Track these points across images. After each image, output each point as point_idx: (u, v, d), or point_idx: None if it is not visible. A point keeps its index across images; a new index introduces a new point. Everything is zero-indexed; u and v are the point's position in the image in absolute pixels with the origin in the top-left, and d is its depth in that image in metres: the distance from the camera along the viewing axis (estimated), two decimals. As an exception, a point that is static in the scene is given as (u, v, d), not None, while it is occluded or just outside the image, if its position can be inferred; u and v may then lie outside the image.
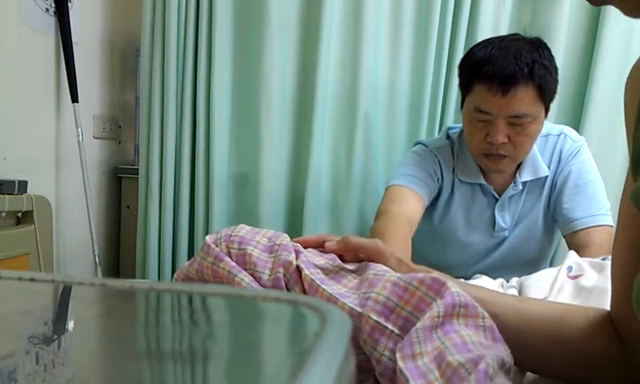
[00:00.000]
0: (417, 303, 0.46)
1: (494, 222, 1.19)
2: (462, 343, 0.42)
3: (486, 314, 0.46)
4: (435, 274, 0.55)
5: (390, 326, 0.46)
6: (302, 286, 0.54)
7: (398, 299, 0.47)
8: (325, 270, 0.56)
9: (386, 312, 0.47)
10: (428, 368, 0.41)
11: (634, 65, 0.50)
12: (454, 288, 0.46)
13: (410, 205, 1.12)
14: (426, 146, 1.23)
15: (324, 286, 0.51)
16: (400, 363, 0.42)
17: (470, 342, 0.42)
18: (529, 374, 0.56)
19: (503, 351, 0.44)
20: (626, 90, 0.51)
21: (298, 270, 0.54)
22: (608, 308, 0.53)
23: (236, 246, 0.58)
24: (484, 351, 0.41)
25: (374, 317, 0.46)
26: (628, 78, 0.51)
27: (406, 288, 0.47)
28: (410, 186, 1.14)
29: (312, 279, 0.52)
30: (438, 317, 0.44)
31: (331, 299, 0.50)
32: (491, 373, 0.39)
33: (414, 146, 1.28)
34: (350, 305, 0.48)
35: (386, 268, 0.55)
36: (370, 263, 0.56)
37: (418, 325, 0.44)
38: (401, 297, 0.47)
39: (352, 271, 0.56)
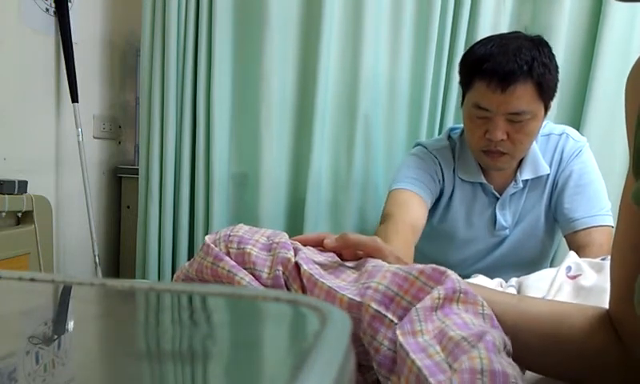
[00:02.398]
0: (416, 293, 0.47)
1: (494, 220, 1.19)
2: (463, 323, 0.42)
3: (486, 304, 0.46)
4: None
5: (389, 315, 0.46)
6: (301, 282, 0.53)
7: (397, 288, 0.47)
8: (324, 266, 0.56)
9: (385, 301, 0.47)
10: (428, 344, 0.41)
11: (635, 64, 0.50)
12: (455, 276, 0.47)
13: (414, 210, 1.12)
14: (425, 147, 1.23)
15: (322, 280, 0.51)
16: (400, 338, 0.42)
17: (471, 323, 0.43)
18: (528, 373, 0.56)
19: (503, 335, 0.44)
20: (626, 90, 0.51)
21: (297, 266, 0.54)
22: (607, 307, 0.53)
23: (235, 245, 0.58)
24: (486, 328, 0.41)
25: (374, 306, 0.46)
26: (628, 78, 0.51)
27: (406, 277, 0.47)
28: (414, 189, 1.14)
29: (310, 274, 0.52)
30: (439, 298, 0.44)
31: (330, 292, 0.50)
32: (498, 345, 0.39)
33: (414, 147, 1.28)
34: (349, 296, 0.48)
35: (384, 262, 0.55)
36: (369, 258, 0.56)
37: (419, 305, 0.44)
38: (400, 286, 0.47)
39: (351, 267, 0.56)
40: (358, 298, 0.48)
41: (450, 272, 0.47)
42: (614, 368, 0.50)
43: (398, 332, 0.43)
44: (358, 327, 0.48)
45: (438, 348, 0.40)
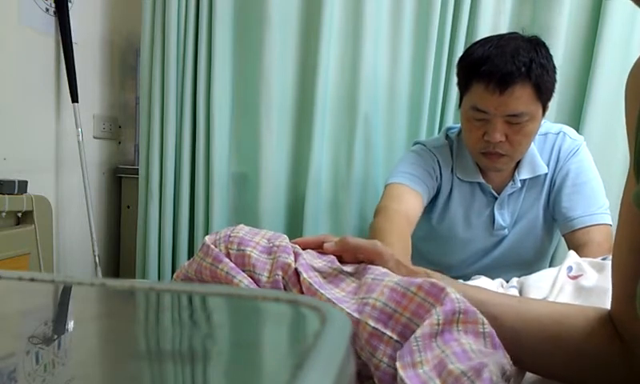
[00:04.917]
0: (415, 309, 0.46)
1: (493, 220, 1.19)
2: (462, 351, 0.42)
3: (486, 320, 0.46)
4: (434, 277, 0.55)
5: (388, 332, 0.46)
6: (301, 288, 0.53)
7: (396, 305, 0.47)
8: (323, 274, 0.56)
9: (383, 318, 0.46)
10: (429, 376, 0.40)
11: (636, 63, 0.50)
12: (454, 294, 0.46)
13: (409, 202, 1.12)
14: (424, 145, 1.23)
15: (322, 290, 0.51)
16: (401, 372, 0.41)
17: (470, 351, 0.42)
18: (529, 374, 0.56)
19: (503, 358, 0.43)
20: (627, 89, 0.51)
21: (297, 272, 0.54)
22: (608, 308, 0.53)
23: (235, 246, 0.58)
24: (485, 359, 0.40)
25: (372, 323, 0.46)
26: (629, 76, 0.51)
27: (404, 294, 0.47)
28: (409, 184, 1.14)
29: (310, 283, 0.52)
30: (438, 324, 0.44)
31: (329, 303, 0.50)
32: (495, 380, 0.38)
33: (413, 145, 1.28)
34: (348, 310, 0.48)
35: (384, 270, 0.54)
36: (369, 266, 0.56)
37: (418, 332, 0.44)
38: (399, 303, 0.47)
39: (350, 274, 0.56)
40: (356, 315, 0.47)
41: (449, 290, 0.46)
42: (614, 369, 0.50)
43: (397, 364, 0.42)
44: (355, 343, 0.48)
45: (437, 382, 0.40)
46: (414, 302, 0.46)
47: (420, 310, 0.46)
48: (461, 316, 0.45)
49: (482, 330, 0.45)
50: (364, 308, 0.47)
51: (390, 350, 0.45)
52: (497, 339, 0.45)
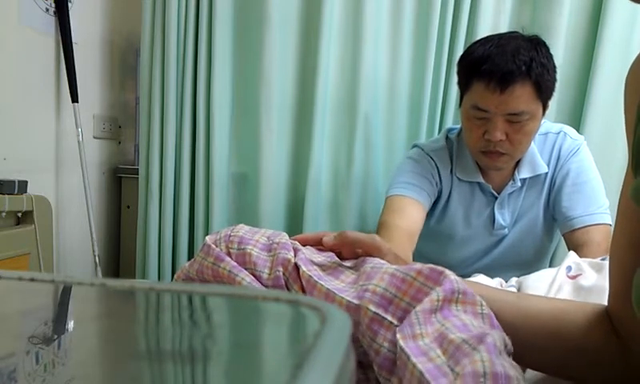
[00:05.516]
0: (415, 294, 0.46)
1: (493, 219, 1.19)
2: (463, 325, 0.42)
3: (484, 303, 0.46)
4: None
5: (389, 317, 0.46)
6: (301, 283, 0.54)
7: (396, 290, 0.47)
8: (322, 267, 0.56)
9: (384, 303, 0.47)
10: (429, 347, 0.41)
11: (636, 59, 0.50)
12: (453, 276, 0.46)
13: (411, 215, 1.12)
14: (422, 149, 1.23)
15: (322, 282, 0.51)
16: (401, 342, 0.41)
17: (470, 324, 0.43)
18: (529, 371, 0.56)
19: (503, 335, 0.44)
20: (625, 86, 0.51)
21: (296, 267, 0.54)
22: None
23: (235, 245, 0.58)
24: (486, 330, 0.41)
25: (373, 308, 0.46)
26: (628, 74, 0.51)
27: (404, 279, 0.47)
28: (410, 194, 1.14)
29: (310, 275, 0.52)
30: (438, 301, 0.44)
31: (329, 294, 0.50)
32: (499, 346, 0.39)
33: (411, 148, 1.28)
34: (348, 298, 0.48)
35: (383, 261, 0.55)
36: (368, 258, 0.56)
37: (418, 308, 0.44)
38: (399, 288, 0.47)
39: (349, 267, 0.56)
40: (356, 301, 0.48)
41: (448, 272, 0.47)
42: (612, 364, 0.50)
43: (398, 335, 0.42)
44: (356, 330, 0.48)
45: (439, 351, 0.40)
46: (413, 286, 0.47)
47: (419, 294, 0.46)
48: (460, 296, 0.45)
49: (480, 311, 0.45)
50: (364, 294, 0.48)
51: (390, 335, 0.45)
52: (495, 320, 0.45)
